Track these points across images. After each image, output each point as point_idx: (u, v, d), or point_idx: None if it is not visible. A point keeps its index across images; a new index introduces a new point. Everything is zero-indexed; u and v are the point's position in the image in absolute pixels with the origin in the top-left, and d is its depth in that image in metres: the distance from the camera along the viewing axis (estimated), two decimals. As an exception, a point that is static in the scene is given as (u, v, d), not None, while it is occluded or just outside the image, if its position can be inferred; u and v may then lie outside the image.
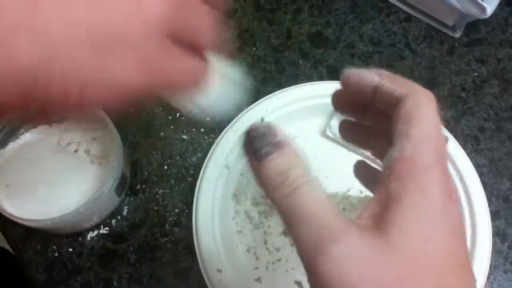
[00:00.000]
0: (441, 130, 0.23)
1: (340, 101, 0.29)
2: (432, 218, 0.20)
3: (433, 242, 0.20)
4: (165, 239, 0.50)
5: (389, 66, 0.58)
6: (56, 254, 0.49)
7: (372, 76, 0.25)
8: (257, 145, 0.23)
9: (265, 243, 0.49)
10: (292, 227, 0.21)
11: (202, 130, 0.55)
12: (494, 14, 0.57)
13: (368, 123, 0.29)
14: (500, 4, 0.58)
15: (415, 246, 0.20)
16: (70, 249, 0.49)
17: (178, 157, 0.53)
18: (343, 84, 0.26)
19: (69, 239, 0.50)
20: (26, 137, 0.52)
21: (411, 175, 0.21)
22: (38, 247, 0.49)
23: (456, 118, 0.55)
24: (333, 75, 0.58)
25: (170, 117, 0.55)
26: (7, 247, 0.52)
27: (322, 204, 0.21)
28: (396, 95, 0.24)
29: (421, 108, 0.23)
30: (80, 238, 0.50)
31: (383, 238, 0.20)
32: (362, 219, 0.21)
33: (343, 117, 0.30)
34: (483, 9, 0.54)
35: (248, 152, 0.23)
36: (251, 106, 0.54)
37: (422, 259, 0.20)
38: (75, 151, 0.51)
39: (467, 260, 0.21)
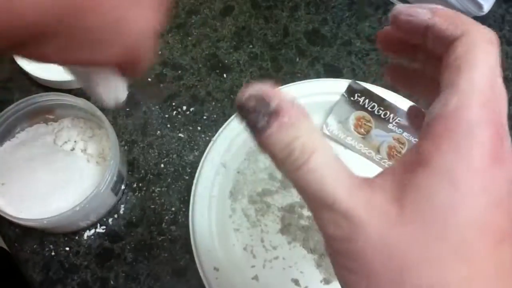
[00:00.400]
0: (498, 81, 0.19)
1: (386, 41, 0.25)
2: (467, 184, 0.17)
3: (465, 212, 0.17)
4: (162, 237, 0.49)
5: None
6: (53, 253, 0.49)
7: (424, 13, 0.21)
8: (252, 119, 0.20)
9: (262, 241, 0.49)
10: (306, 202, 0.20)
11: (199, 128, 0.55)
12: (491, 11, 0.57)
13: (418, 66, 0.25)
14: (497, 1, 0.58)
15: (439, 216, 0.17)
16: (67, 248, 0.49)
17: (174, 156, 0.53)
18: (392, 22, 0.23)
19: (66, 238, 0.50)
20: (22, 135, 0.52)
21: (449, 133, 0.18)
22: (34, 246, 0.49)
23: (453, 116, 0.55)
24: (330, 72, 0.58)
25: (166, 116, 0.55)
26: (4, 246, 0.52)
27: (331, 178, 0.19)
28: (448, 36, 0.20)
29: (475, 52, 0.19)
30: (77, 237, 0.50)
31: (399, 204, 0.18)
32: (384, 175, 0.19)
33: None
34: (480, 6, 0.54)
35: (246, 127, 0.20)
36: (248, 104, 0.53)
37: (448, 232, 0.17)
38: (72, 150, 0.51)
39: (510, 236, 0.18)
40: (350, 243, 0.18)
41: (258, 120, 0.20)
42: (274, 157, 0.20)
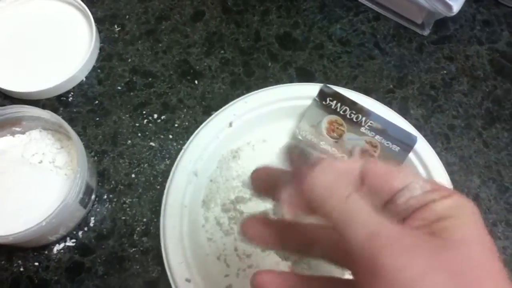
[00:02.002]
0: None
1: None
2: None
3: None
4: (134, 249, 0.49)
5: (358, 66, 0.58)
6: (22, 269, 0.48)
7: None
8: (299, 166, 0.24)
9: (236, 250, 0.48)
10: (348, 230, 0.22)
11: (171, 136, 0.54)
12: (462, 11, 0.57)
13: None
14: (467, 1, 0.58)
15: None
16: (36, 263, 0.48)
17: (146, 165, 0.52)
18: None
19: (35, 253, 0.48)
20: (-12, 149, 0.51)
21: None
22: (2, 262, 0.48)
23: (426, 117, 0.55)
24: (302, 76, 0.57)
25: (137, 124, 0.54)
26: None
27: (369, 208, 0.22)
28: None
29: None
30: (46, 252, 0.48)
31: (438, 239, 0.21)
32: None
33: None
34: (449, 7, 0.54)
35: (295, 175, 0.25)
36: (219, 110, 0.53)
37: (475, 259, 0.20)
38: (40, 162, 0.50)
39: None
40: (403, 255, 0.20)
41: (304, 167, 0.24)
42: (320, 196, 0.23)
